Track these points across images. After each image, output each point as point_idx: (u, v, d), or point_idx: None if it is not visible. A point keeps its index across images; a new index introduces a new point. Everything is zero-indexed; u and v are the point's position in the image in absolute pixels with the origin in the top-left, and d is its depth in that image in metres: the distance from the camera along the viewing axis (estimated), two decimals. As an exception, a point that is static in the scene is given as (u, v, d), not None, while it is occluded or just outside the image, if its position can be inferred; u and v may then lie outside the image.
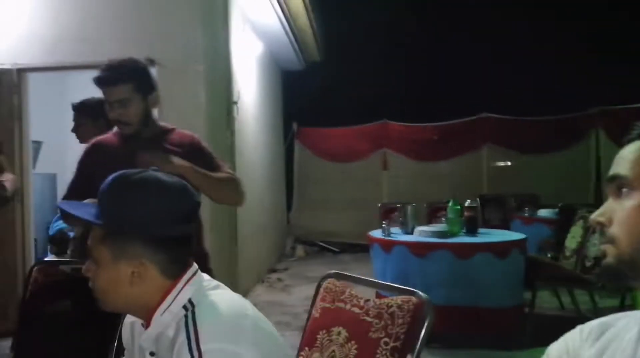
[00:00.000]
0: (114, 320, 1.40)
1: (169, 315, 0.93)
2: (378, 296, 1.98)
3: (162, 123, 2.02)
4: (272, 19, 5.82)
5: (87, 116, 2.61)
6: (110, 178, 0.96)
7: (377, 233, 3.97)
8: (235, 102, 4.83)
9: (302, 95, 8.70)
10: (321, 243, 7.87)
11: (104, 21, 3.94)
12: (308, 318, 1.42)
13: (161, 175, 0.97)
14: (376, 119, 7.89)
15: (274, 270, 6.38)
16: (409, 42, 9.86)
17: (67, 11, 3.97)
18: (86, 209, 0.98)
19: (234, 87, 4.80)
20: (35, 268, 1.59)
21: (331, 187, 7.91)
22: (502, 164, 7.62)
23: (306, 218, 8.03)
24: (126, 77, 1.74)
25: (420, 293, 1.20)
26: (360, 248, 7.21)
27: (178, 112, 4.04)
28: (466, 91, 9.06)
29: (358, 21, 9.50)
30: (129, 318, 1.06)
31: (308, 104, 8.78)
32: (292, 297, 5.16)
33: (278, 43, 6.71)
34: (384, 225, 3.90)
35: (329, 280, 1.43)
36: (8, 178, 1.79)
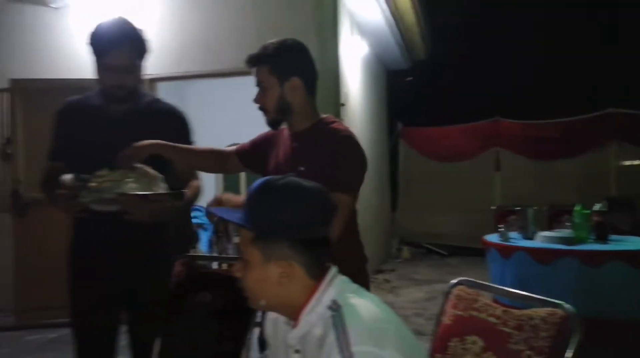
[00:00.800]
0: (250, 313, 1.49)
1: (315, 315, 0.97)
2: (496, 302, 1.88)
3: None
4: (378, 19, 5.81)
5: None
6: (256, 184, 1.03)
7: (493, 238, 3.80)
8: (343, 105, 4.89)
9: (406, 94, 8.58)
10: (427, 245, 7.70)
11: (224, 31, 4.19)
12: (437, 325, 1.38)
13: (302, 181, 1.03)
14: (487, 117, 7.55)
15: (380, 271, 6.36)
16: (521, 37, 9.31)
17: (191, 23, 4.28)
18: (235, 213, 1.05)
19: (341, 90, 4.86)
20: (179, 262, 1.74)
21: (438, 187, 7.69)
22: (633, 163, 6.90)
23: (412, 218, 7.90)
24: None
25: (567, 306, 1.13)
26: (469, 252, 6.94)
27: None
28: (586, 85, 8.36)
29: (466, 17, 9.16)
30: (272, 315, 1.11)
31: (414, 103, 8.64)
32: (401, 299, 5.10)
33: (384, 43, 6.68)
34: (501, 229, 3.72)
35: (460, 286, 1.39)
36: (194, 184, 1.84)
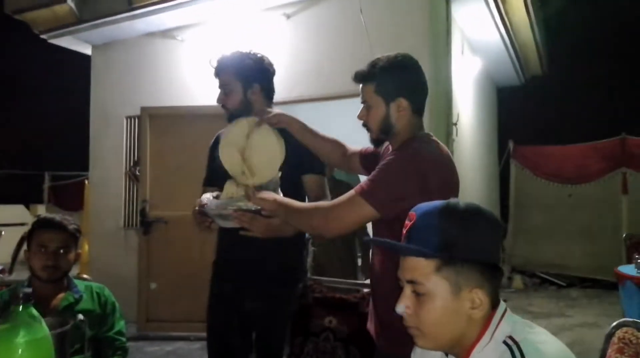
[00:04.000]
0: (371, 341, 1.43)
1: (489, 351, 0.88)
2: None
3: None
4: (492, 36, 5.56)
5: None
6: (431, 207, 0.95)
7: (628, 269, 3.40)
8: (455, 124, 4.71)
9: (518, 111, 8.11)
10: (542, 275, 7.12)
11: (337, 56, 4.22)
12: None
13: (479, 205, 0.97)
14: (612, 135, 6.88)
15: (491, 300, 5.98)
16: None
17: (305, 50, 4.38)
18: (389, 241, 1.01)
19: (453, 110, 4.69)
20: (305, 286, 1.74)
21: (555, 212, 7.11)
22: None
23: (523, 245, 7.37)
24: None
25: None
26: (592, 284, 6.31)
27: (401, 138, 4.11)
28: None
29: (587, 30, 8.51)
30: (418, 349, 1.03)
31: (526, 121, 8.14)
32: (516, 333, 4.74)
33: (496, 59, 6.39)
34: (638, 260, 3.32)
35: (625, 328, 1.21)
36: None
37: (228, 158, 1.72)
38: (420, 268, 0.91)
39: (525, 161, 7.56)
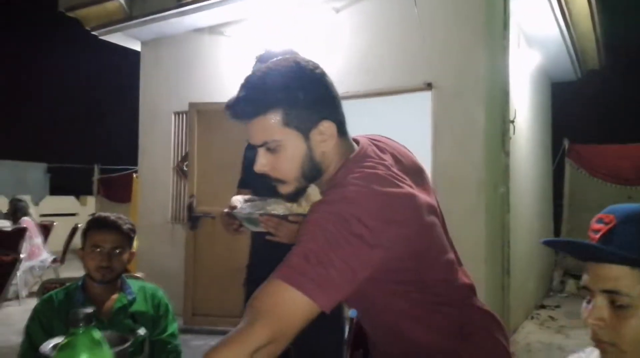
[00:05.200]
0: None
1: None
2: None
3: None
4: (549, 28, 5.28)
5: None
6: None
7: None
8: (512, 121, 4.49)
9: (574, 108, 7.72)
10: (598, 279, 6.77)
11: (389, 51, 4.10)
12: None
13: None
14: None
15: (542, 306, 5.72)
16: None
17: (350, 46, 4.27)
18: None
19: (510, 106, 4.48)
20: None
21: (613, 214, 6.73)
22: None
23: (578, 248, 7.02)
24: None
25: None
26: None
27: (454, 136, 3.93)
28: None
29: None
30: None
31: (581, 118, 7.75)
32: (572, 341, 4.49)
33: (552, 53, 6.07)
34: None
35: None
36: None
37: None
38: (623, 277, 0.81)
39: (580, 160, 7.20)
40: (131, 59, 5.78)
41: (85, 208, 11.41)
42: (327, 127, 1.01)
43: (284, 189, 1.05)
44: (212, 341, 3.14)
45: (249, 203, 1.60)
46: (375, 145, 1.05)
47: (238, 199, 1.64)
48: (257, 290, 0.86)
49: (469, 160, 3.90)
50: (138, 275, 2.04)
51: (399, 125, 3.88)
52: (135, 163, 5.60)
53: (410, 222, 0.92)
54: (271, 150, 1.01)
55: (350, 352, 1.37)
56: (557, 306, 5.76)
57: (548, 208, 7.25)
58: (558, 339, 4.54)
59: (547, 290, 6.53)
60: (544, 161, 6.93)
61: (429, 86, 3.95)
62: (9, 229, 5.48)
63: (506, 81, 4.28)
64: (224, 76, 4.82)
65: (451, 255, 1.04)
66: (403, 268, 0.95)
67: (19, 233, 5.45)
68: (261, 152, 1.03)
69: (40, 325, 1.66)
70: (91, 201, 11.05)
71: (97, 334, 0.71)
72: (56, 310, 1.64)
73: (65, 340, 0.69)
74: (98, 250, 1.69)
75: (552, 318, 5.25)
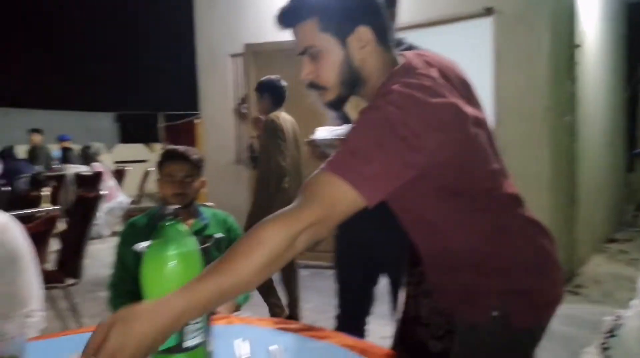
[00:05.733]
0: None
1: None
2: None
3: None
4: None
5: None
6: None
7: None
8: (578, 46, 4.23)
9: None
10: (673, 211, 6.45)
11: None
12: None
13: None
14: None
15: (613, 240, 5.56)
16: None
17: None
18: None
19: (576, 29, 4.20)
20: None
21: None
22: None
23: (653, 180, 6.67)
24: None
25: None
26: None
27: (516, 63, 3.77)
28: None
29: None
30: None
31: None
32: (643, 273, 4.39)
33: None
34: None
35: None
36: None
37: None
38: None
39: (658, 86, 6.68)
40: (184, 3, 5.86)
41: (153, 155, 12.00)
42: (363, 33, 1.01)
43: (327, 96, 1.07)
44: (302, 271, 3.28)
45: (331, 130, 1.69)
46: (422, 58, 1.05)
47: (323, 129, 1.73)
48: (306, 180, 0.93)
49: (532, 88, 3.75)
50: (209, 204, 2.19)
51: (455, 55, 3.76)
52: (197, 108, 5.79)
53: (454, 131, 0.94)
54: (312, 57, 1.04)
55: (409, 268, 1.44)
56: (629, 240, 5.58)
57: (620, 138, 6.87)
58: (629, 271, 4.44)
59: (618, 224, 6.31)
60: (615, 90, 6.50)
61: (488, 11, 3.77)
62: (89, 173, 5.96)
63: (572, 1, 4.00)
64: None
65: (495, 166, 1.05)
66: (444, 174, 0.97)
67: (97, 176, 5.91)
68: (305, 60, 1.06)
69: (126, 247, 1.85)
70: (159, 148, 11.59)
71: (183, 226, 0.81)
72: (140, 232, 1.81)
73: (156, 233, 0.80)
74: (171, 179, 1.84)
75: (623, 251, 5.11)
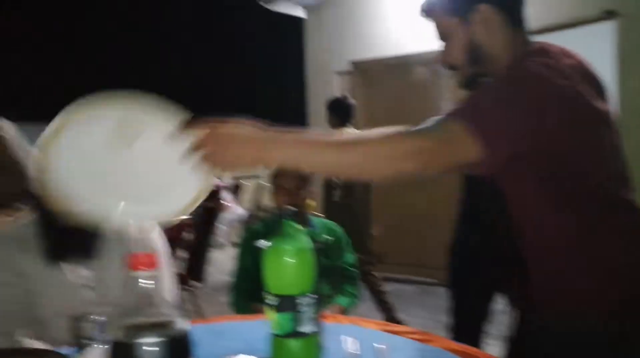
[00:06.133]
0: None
1: None
2: None
3: None
4: None
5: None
6: None
7: None
8: None
9: None
10: None
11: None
12: None
13: None
14: None
15: None
16: None
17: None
18: None
19: None
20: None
21: None
22: None
23: None
24: None
25: None
26: None
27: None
28: None
29: None
30: None
31: None
32: None
33: None
34: None
35: None
36: None
37: None
38: None
39: None
40: (290, 26, 6.19)
41: (266, 171, 12.64)
42: (485, 11, 1.06)
43: (458, 77, 1.14)
44: (387, 287, 3.34)
45: None
46: (558, 47, 1.07)
47: None
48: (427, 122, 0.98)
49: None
50: (318, 214, 2.31)
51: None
52: (305, 125, 6.05)
53: (579, 121, 0.96)
54: (443, 38, 1.12)
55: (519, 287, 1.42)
56: None
57: None
58: None
59: None
60: None
61: (609, 15, 3.52)
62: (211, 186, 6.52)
63: None
64: (386, 30, 4.90)
65: (613, 167, 1.03)
66: (559, 164, 0.97)
67: (217, 190, 6.42)
68: (439, 44, 1.14)
69: (246, 252, 2.02)
70: (271, 164, 12.18)
71: (299, 226, 0.92)
72: (258, 238, 1.98)
73: (276, 231, 0.91)
74: (284, 190, 1.99)
75: None
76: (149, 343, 0.58)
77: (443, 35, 1.12)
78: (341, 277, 1.99)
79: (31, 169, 3.30)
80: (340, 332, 1.21)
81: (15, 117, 3.71)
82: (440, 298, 2.00)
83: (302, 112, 5.89)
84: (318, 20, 5.65)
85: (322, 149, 0.95)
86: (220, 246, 6.29)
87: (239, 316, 1.53)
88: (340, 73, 5.35)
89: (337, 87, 5.41)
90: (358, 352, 1.13)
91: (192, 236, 3.64)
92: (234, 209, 6.80)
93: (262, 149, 0.95)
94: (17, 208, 2.82)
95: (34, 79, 14.15)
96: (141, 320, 0.59)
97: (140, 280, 0.60)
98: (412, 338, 1.20)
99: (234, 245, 6.50)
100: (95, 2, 16.32)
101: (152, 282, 0.61)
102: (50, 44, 15.12)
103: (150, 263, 0.60)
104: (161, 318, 0.60)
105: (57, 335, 1.29)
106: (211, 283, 3.77)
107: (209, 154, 0.94)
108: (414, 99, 4.27)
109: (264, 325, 0.95)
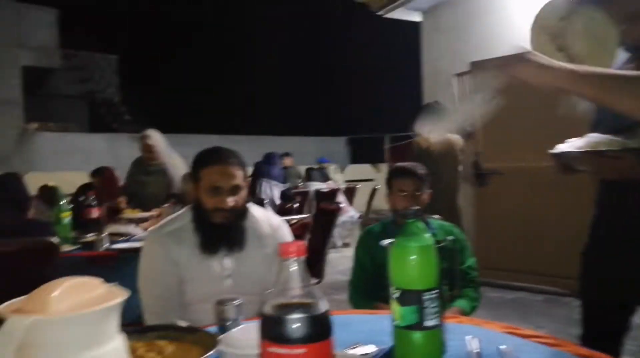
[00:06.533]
0: None
1: None
2: None
3: None
4: None
5: None
6: None
7: None
8: None
9: None
10: None
11: None
12: None
13: None
14: None
15: None
16: None
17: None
18: None
19: None
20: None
21: None
22: None
23: None
24: None
25: None
26: None
27: None
28: None
29: None
30: None
31: None
32: None
33: None
34: None
35: None
36: None
37: (538, 47, 1.39)
38: None
39: None
40: (405, 30, 6.19)
41: (379, 175, 12.71)
42: None
43: None
44: (509, 295, 3.26)
45: (573, 143, 1.47)
46: None
47: (567, 142, 1.54)
48: None
49: None
50: (435, 216, 2.32)
51: None
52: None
53: None
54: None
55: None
56: None
57: None
58: None
59: None
60: None
61: None
62: (326, 189, 6.77)
63: None
64: (507, 29, 4.71)
65: None
66: None
67: (333, 193, 6.66)
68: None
69: (364, 250, 2.10)
70: (384, 168, 12.24)
71: (422, 225, 0.96)
72: (375, 237, 2.05)
73: (401, 230, 0.96)
74: (402, 193, 2.03)
75: None
76: (296, 319, 0.67)
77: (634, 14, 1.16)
78: (462, 280, 1.98)
79: (176, 173, 3.69)
80: (462, 332, 1.22)
81: (164, 128, 4.20)
82: (570, 309, 1.83)
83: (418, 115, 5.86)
84: (434, 23, 5.59)
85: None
86: (334, 246, 6.47)
87: (359, 311, 1.60)
88: (459, 74, 5.24)
89: (455, 90, 5.31)
90: (481, 352, 1.14)
91: (311, 236, 3.82)
92: (347, 212, 6.96)
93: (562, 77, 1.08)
94: (166, 207, 3.19)
95: (180, 100, 16.10)
96: (290, 299, 0.68)
97: (289, 265, 0.69)
98: (538, 342, 1.18)
99: (346, 245, 6.65)
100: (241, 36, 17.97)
101: (299, 267, 0.70)
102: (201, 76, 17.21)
103: (299, 250, 0.69)
104: (306, 300, 0.69)
105: (202, 318, 1.47)
106: (326, 282, 3.92)
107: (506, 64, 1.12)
108: (538, 99, 4.06)
109: (385, 318, 1.01)
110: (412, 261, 0.94)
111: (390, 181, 2.12)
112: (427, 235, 0.96)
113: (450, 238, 1.75)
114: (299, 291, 0.68)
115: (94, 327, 0.62)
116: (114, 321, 0.66)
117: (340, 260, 5.35)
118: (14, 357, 0.57)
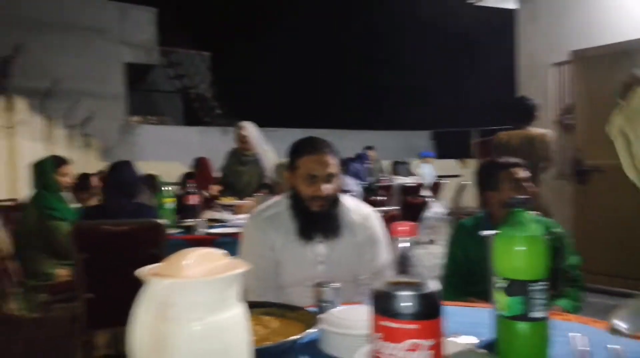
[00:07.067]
0: None
1: None
2: None
3: None
4: None
5: None
6: None
7: None
8: None
9: None
10: None
11: None
12: None
13: None
14: None
15: None
16: None
17: None
18: None
19: None
20: None
21: None
22: None
23: None
24: None
25: None
26: None
27: None
28: None
29: None
30: None
31: None
32: None
33: None
34: None
35: None
36: None
37: None
38: None
39: None
40: (496, 19, 5.92)
41: (466, 170, 12.30)
42: None
43: None
44: (610, 301, 3.06)
45: None
46: None
47: None
48: None
49: None
50: (536, 213, 2.22)
51: None
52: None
53: None
54: None
55: None
56: None
57: None
58: None
59: None
60: None
61: None
62: (412, 184, 6.72)
63: None
64: (611, 15, 4.38)
65: None
66: None
67: (417, 187, 6.58)
68: None
69: (456, 244, 2.06)
70: (470, 163, 11.83)
71: (529, 214, 0.94)
72: (468, 231, 2.00)
73: (507, 219, 0.94)
74: (514, 179, 1.96)
75: None
76: (407, 296, 0.68)
77: None
78: (564, 280, 1.88)
79: (268, 162, 3.85)
80: (568, 329, 1.18)
81: (259, 122, 4.39)
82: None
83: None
84: (531, 11, 5.31)
85: None
86: (419, 242, 6.38)
87: (455, 303, 1.59)
88: (558, 64, 4.95)
89: (552, 80, 5.02)
90: (588, 350, 1.09)
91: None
92: (432, 207, 6.83)
93: None
94: (259, 196, 3.33)
95: (267, 95, 16.78)
96: (401, 278, 0.70)
97: (400, 245, 0.71)
98: (649, 345, 1.10)
99: (431, 241, 6.52)
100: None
101: (410, 246, 0.71)
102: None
103: (410, 231, 0.71)
104: (417, 279, 0.70)
105: (295, 300, 1.53)
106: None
107: None
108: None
109: (482, 311, 0.99)
110: (520, 250, 0.92)
111: (493, 175, 2.02)
112: (536, 225, 0.93)
113: (555, 230, 1.67)
114: (410, 270, 0.69)
115: (220, 293, 0.68)
116: (236, 289, 0.71)
117: (426, 257, 5.27)
118: (155, 311, 0.66)
